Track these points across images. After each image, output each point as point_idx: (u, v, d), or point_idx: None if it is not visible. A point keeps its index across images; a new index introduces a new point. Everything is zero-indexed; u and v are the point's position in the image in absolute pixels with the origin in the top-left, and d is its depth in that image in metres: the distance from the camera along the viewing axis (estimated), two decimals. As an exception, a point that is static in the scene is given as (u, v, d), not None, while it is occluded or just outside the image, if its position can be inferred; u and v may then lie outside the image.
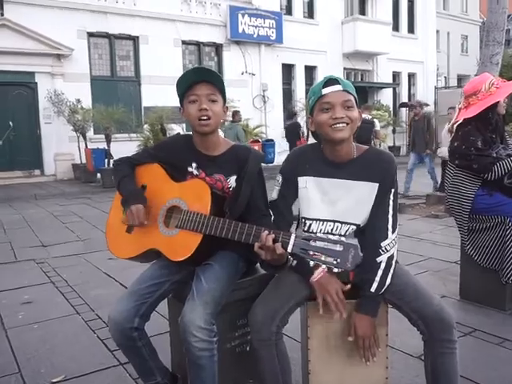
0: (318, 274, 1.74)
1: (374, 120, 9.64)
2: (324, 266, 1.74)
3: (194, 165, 1.98)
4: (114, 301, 3.32)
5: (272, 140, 14.57)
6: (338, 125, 1.71)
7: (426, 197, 7.54)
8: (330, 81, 1.75)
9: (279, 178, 1.92)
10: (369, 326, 1.74)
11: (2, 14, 11.94)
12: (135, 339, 1.80)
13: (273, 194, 1.93)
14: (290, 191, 1.89)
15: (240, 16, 15.65)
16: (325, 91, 1.74)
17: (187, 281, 1.91)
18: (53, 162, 13.08)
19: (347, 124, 1.73)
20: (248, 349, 1.99)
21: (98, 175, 11.78)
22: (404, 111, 20.02)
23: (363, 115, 7.80)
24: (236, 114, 10.59)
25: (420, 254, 4.42)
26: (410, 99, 21.26)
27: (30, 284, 3.90)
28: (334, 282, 1.73)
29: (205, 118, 1.86)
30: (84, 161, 12.42)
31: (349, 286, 1.74)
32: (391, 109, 19.44)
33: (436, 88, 21.88)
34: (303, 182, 1.87)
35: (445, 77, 26.51)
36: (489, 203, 3.02)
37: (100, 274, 4.15)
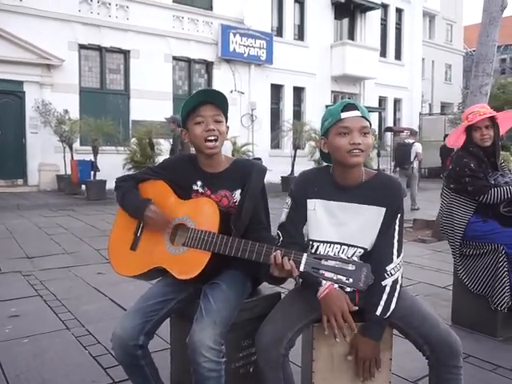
0: (323, 290, 1.71)
1: (416, 143, 10.27)
2: (329, 282, 1.74)
3: (198, 183, 1.99)
4: (104, 316, 3.33)
5: (259, 158, 14.61)
6: (355, 151, 1.74)
7: (412, 221, 7.62)
8: (349, 106, 1.78)
9: (288, 200, 1.94)
10: (371, 350, 1.74)
11: (-7, 22, 11.88)
12: (139, 357, 1.77)
13: (281, 216, 1.94)
14: (299, 213, 1.90)
15: (231, 35, 15.83)
16: (344, 115, 1.76)
17: (192, 299, 1.90)
18: (37, 172, 12.90)
19: (363, 151, 1.75)
20: (251, 370, 1.97)
21: (83, 187, 11.64)
22: (389, 135, 20.36)
23: (409, 140, 7.79)
24: None
25: (409, 278, 4.44)
26: (395, 124, 21.68)
27: (16, 297, 3.81)
28: (341, 300, 1.69)
29: (212, 138, 1.88)
30: (69, 172, 12.29)
31: (356, 307, 1.74)
32: (376, 133, 19.71)
33: (420, 114, 22.38)
34: (312, 204, 1.89)
35: (429, 104, 27.10)
36: (482, 230, 3.07)
37: (89, 289, 4.07)
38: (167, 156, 8.70)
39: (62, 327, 3.19)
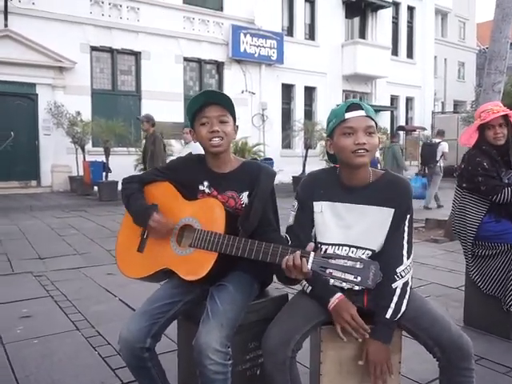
0: (334, 301, 1.72)
1: (443, 143, 10.37)
2: (339, 293, 1.73)
3: (205, 183, 1.97)
4: (113, 317, 3.34)
5: (270, 159, 14.62)
6: (359, 151, 1.72)
7: (425, 221, 7.55)
8: (354, 105, 1.75)
9: (295, 203, 1.92)
10: (381, 352, 1.71)
11: (6, 25, 12.00)
12: (146, 359, 1.76)
13: (289, 219, 1.92)
14: (305, 216, 1.88)
15: (242, 35, 15.84)
16: (348, 115, 1.74)
17: (199, 301, 1.89)
18: (49, 173, 13.03)
19: (368, 151, 1.73)
20: (258, 373, 1.96)
21: (95, 188, 11.72)
22: (401, 134, 20.20)
23: (436, 139, 7.75)
24: (394, 135, 11.96)
25: (421, 279, 4.40)
26: (407, 123, 21.51)
27: (28, 297, 3.84)
28: (350, 307, 1.71)
29: (216, 139, 1.87)
30: (81, 173, 12.39)
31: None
32: (388, 132, 19.58)
33: (433, 113, 22.18)
34: (318, 206, 1.87)
35: (442, 102, 26.85)
36: (495, 230, 3.02)
37: (99, 290, 4.09)
38: (176, 156, 8.65)
39: (72, 328, 3.21)
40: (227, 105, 1.91)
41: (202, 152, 2.01)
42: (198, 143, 1.94)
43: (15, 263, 5.07)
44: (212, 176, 1.97)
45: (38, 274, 4.60)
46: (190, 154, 2.19)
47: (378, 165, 11.46)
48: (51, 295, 3.91)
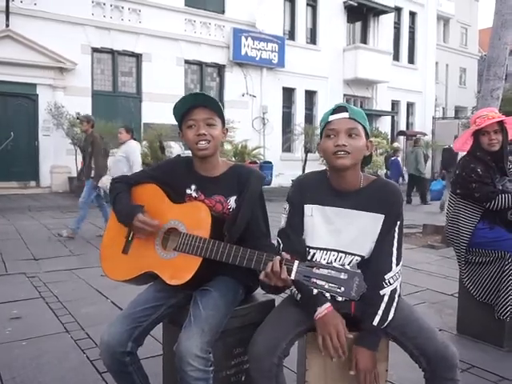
0: (322, 311, 1.68)
1: None
2: (328, 303, 1.69)
3: (193, 187, 1.94)
4: (104, 319, 3.31)
5: (270, 162, 14.62)
6: (340, 152, 1.70)
7: (422, 226, 7.52)
8: (339, 108, 1.76)
9: (286, 205, 1.90)
10: (370, 360, 1.68)
11: (8, 26, 12.02)
12: (127, 364, 1.73)
13: (281, 222, 1.90)
14: (297, 219, 1.86)
15: (243, 38, 15.85)
16: (331, 118, 1.74)
17: (183, 305, 1.86)
18: (49, 174, 13.04)
19: (348, 153, 1.70)
20: (243, 379, 1.93)
21: (94, 189, 11.70)
22: (402, 139, 20.19)
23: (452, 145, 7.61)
24: (418, 140, 12.49)
25: (416, 285, 4.37)
26: (408, 128, 21.49)
27: (19, 298, 3.82)
28: (338, 323, 1.65)
29: (203, 142, 1.85)
30: (80, 174, 12.37)
31: (351, 335, 1.68)
32: (389, 136, 19.57)
33: (434, 118, 22.17)
34: (309, 209, 1.84)
35: (443, 108, 26.83)
36: (489, 237, 2.99)
37: (91, 291, 4.07)
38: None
39: (61, 330, 3.19)
40: (215, 108, 1.89)
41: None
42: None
43: (9, 264, 5.05)
44: (199, 180, 1.95)
45: (31, 274, 4.58)
46: (179, 156, 2.16)
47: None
48: (42, 296, 3.89)
